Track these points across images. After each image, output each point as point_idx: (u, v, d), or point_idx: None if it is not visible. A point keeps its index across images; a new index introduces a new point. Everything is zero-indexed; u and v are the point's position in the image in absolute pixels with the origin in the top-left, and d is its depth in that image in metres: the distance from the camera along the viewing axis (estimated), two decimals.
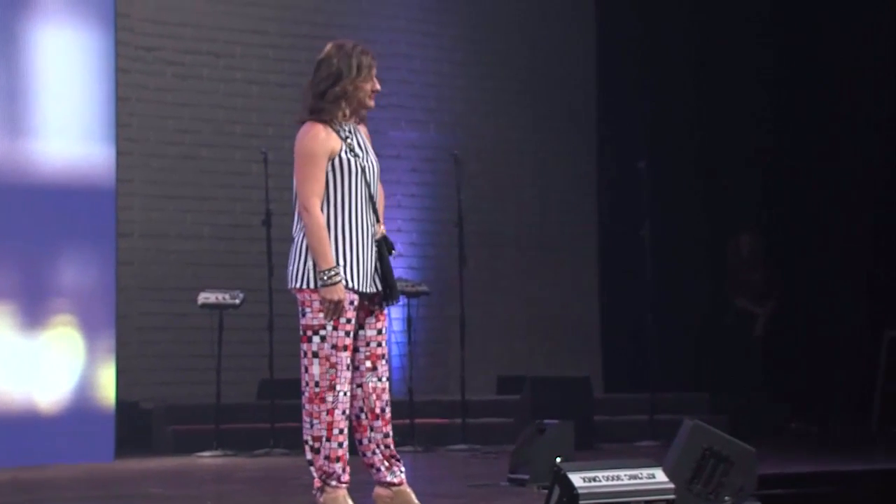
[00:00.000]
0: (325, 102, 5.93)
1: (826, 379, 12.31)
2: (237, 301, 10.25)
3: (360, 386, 5.94)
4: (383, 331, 5.99)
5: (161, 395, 11.05)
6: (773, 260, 12.66)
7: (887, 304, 12.11)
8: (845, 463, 9.05)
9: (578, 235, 13.42)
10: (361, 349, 5.94)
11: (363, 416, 5.94)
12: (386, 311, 6.00)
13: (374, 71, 5.98)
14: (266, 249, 10.30)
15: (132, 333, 10.96)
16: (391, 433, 5.99)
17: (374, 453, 5.96)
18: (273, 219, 10.33)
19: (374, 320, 5.96)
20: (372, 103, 5.98)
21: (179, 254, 11.55)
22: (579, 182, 13.45)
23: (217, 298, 10.22)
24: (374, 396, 5.95)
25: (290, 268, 5.95)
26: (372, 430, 5.95)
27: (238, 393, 10.96)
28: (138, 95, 11.40)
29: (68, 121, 9.46)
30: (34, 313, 9.23)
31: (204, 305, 10.24)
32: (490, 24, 13.20)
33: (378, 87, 5.98)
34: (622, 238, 12.48)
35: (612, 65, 13.45)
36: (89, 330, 9.41)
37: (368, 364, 5.94)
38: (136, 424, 10.51)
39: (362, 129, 6.04)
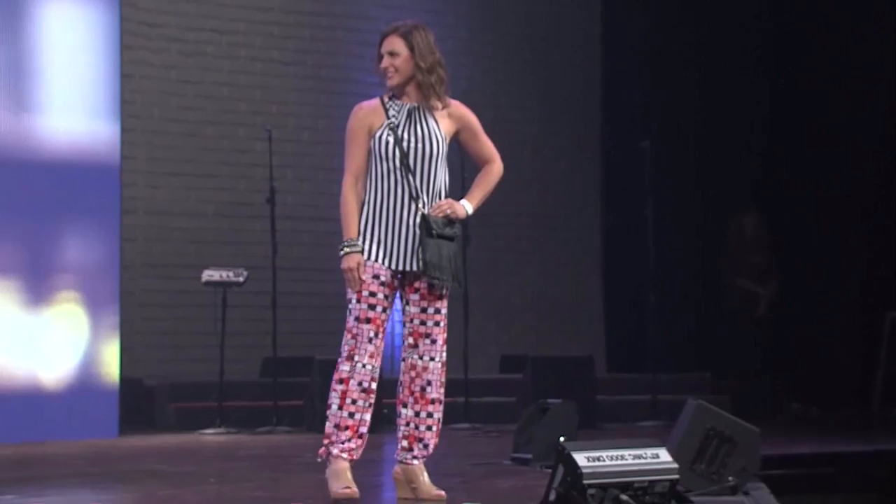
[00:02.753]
0: None
1: (828, 360, 12.32)
2: (241, 279, 10.25)
3: (403, 360, 5.98)
4: (429, 310, 5.92)
5: (164, 372, 11.06)
6: (776, 240, 12.65)
7: (889, 285, 12.10)
8: (847, 444, 9.06)
9: (581, 215, 13.42)
10: (407, 325, 5.97)
11: (400, 389, 5.98)
12: (439, 293, 5.93)
13: (380, 50, 5.97)
14: (270, 227, 10.30)
15: (136, 310, 10.97)
16: (431, 414, 5.94)
17: (398, 428, 5.99)
18: (277, 196, 10.34)
19: (418, 298, 5.93)
20: (388, 82, 5.96)
21: (183, 231, 11.55)
22: (582, 162, 13.44)
23: (221, 276, 10.23)
24: (413, 373, 5.95)
25: None
26: (405, 406, 5.97)
27: (241, 371, 10.98)
28: (142, 72, 11.39)
29: (72, 97, 9.45)
30: (38, 290, 9.23)
31: (207, 283, 10.24)
32: (494, 2, 13.18)
33: (384, 64, 5.96)
34: (625, 218, 12.47)
35: (616, 45, 13.43)
36: (93, 307, 9.42)
37: (410, 340, 5.95)
38: (139, 401, 10.53)
39: (454, 110, 5.98)
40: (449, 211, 5.91)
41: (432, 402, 5.95)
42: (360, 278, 5.83)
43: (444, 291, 5.94)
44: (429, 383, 5.94)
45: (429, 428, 5.96)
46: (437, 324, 5.94)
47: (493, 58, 13.07)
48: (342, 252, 5.86)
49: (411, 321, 5.94)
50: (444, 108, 5.99)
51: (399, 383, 5.99)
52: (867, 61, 12.40)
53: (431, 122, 5.95)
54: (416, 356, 5.95)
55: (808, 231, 12.62)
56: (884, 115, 12.36)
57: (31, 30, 9.32)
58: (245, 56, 11.96)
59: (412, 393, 5.95)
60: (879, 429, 10.63)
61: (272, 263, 10.26)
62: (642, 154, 11.05)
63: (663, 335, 11.33)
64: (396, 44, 5.95)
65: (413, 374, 5.95)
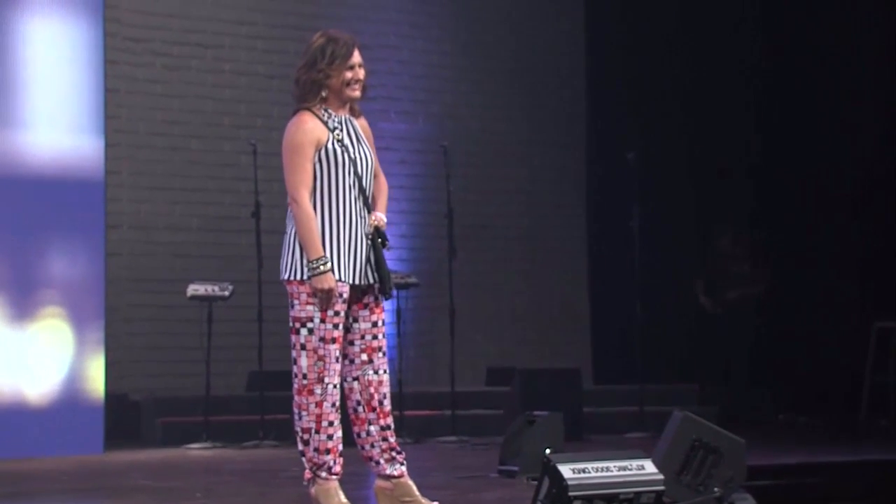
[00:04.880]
0: (300, 89, 5.94)
1: (815, 370, 12.32)
2: (226, 293, 10.24)
3: (356, 379, 5.94)
4: (379, 323, 5.97)
5: (150, 387, 11.04)
6: (761, 250, 12.66)
7: (876, 295, 12.11)
8: (834, 454, 9.06)
9: (567, 226, 13.42)
10: (357, 342, 5.94)
11: (360, 409, 5.94)
12: (382, 304, 5.98)
13: (353, 60, 5.91)
14: (255, 241, 10.29)
15: (121, 325, 10.94)
16: (391, 425, 5.96)
17: (372, 446, 5.95)
18: (262, 210, 10.33)
19: (368, 313, 5.94)
20: (353, 93, 5.92)
21: (168, 245, 11.54)
22: (568, 173, 13.45)
23: (206, 290, 10.22)
24: (371, 389, 5.93)
25: (282, 259, 5.95)
26: (370, 423, 5.94)
27: (227, 385, 10.95)
28: (127, 87, 11.38)
29: (57, 112, 9.43)
30: (23, 305, 9.21)
31: (193, 297, 10.23)
32: (479, 15, 13.19)
33: (360, 76, 5.92)
34: (611, 229, 12.47)
35: (601, 56, 13.44)
36: (78, 322, 9.40)
37: (364, 357, 5.93)
38: (125, 416, 10.50)
39: (360, 122, 6.02)
40: (382, 223, 5.93)
41: (390, 413, 5.97)
42: (335, 297, 5.80)
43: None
44: (385, 395, 5.95)
45: (392, 436, 5.96)
46: (384, 335, 5.98)
47: (478, 70, 13.07)
48: (319, 271, 5.78)
49: (362, 337, 5.94)
50: (359, 119, 6.01)
51: (356, 404, 5.94)
52: (863, 67, 12.39)
53: (360, 133, 5.96)
54: (371, 371, 5.94)
55: (797, 242, 12.63)
56: (879, 125, 12.36)
57: (15, 45, 9.31)
58: (230, 70, 11.96)
59: (373, 409, 5.93)
60: (866, 439, 10.63)
61: (258, 277, 10.25)
62: (628, 165, 11.06)
63: (651, 346, 11.33)
64: (361, 57, 5.95)
65: (371, 390, 5.94)
